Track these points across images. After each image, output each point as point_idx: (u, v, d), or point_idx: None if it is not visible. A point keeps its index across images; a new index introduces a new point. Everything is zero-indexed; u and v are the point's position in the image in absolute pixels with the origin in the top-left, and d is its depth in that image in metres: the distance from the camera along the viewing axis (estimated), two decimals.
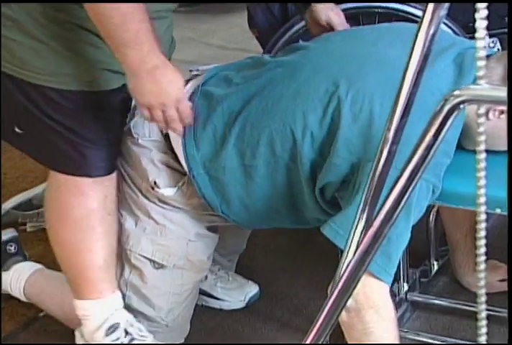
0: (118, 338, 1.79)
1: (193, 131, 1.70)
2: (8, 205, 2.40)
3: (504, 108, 1.53)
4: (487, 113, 1.57)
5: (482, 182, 1.00)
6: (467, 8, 1.74)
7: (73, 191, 1.74)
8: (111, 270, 1.80)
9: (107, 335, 1.79)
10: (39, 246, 2.30)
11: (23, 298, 2.02)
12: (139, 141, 1.76)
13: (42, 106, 1.68)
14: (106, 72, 1.68)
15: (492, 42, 2.15)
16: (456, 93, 0.96)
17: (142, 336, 1.81)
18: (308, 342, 1.15)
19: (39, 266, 2.06)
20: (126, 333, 1.80)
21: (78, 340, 1.84)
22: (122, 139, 1.79)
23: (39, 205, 2.37)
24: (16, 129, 1.73)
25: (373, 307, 1.54)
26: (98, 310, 1.79)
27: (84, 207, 1.74)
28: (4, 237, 2.10)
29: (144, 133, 1.76)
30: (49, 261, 2.15)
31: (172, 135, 1.72)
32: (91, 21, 1.56)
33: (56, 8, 1.61)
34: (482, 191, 1.00)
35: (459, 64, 1.62)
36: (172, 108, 1.60)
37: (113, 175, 1.77)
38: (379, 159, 1.18)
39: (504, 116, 1.58)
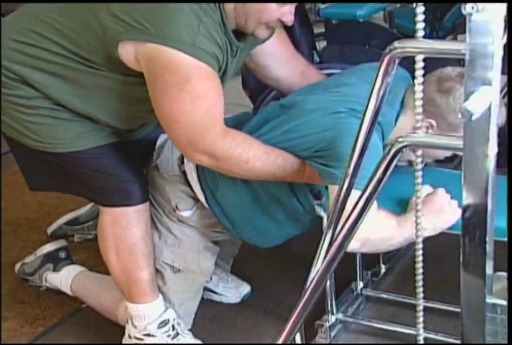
0: (167, 331, 1.77)
1: (204, 174, 1.68)
2: (61, 221, 2.38)
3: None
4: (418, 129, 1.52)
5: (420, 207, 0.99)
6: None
7: (124, 225, 1.71)
8: (154, 280, 1.77)
9: (159, 327, 1.76)
10: (84, 253, 2.28)
11: (70, 293, 1.99)
12: (164, 175, 1.74)
13: (78, 165, 1.65)
14: (113, 131, 1.66)
15: None
16: (400, 139, 0.95)
17: (184, 332, 1.79)
18: (289, 324, 1.14)
19: (83, 268, 2.03)
20: (174, 328, 1.77)
21: (130, 330, 1.79)
22: (150, 173, 1.77)
23: (84, 222, 2.35)
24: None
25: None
26: (150, 311, 1.76)
27: (134, 236, 1.72)
28: (56, 246, 2.08)
29: (168, 169, 1.73)
30: (91, 264, 2.12)
31: (187, 172, 1.71)
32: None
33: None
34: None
35: None
36: None
37: (147, 205, 1.74)
38: (341, 189, 1.17)
39: (431, 131, 1.49)
